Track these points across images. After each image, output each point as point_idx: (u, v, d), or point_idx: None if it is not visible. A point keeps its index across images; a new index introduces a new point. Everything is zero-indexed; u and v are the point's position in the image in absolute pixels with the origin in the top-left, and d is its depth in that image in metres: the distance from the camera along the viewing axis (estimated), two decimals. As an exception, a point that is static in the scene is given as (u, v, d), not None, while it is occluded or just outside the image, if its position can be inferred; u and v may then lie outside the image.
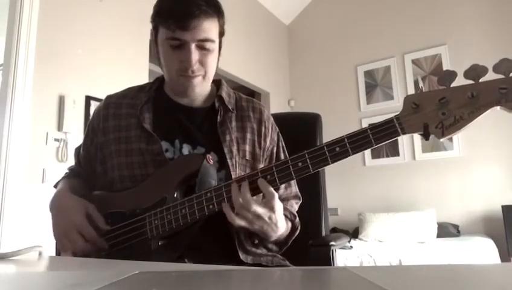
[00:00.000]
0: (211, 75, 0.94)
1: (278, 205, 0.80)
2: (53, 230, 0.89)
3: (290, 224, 0.93)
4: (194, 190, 0.82)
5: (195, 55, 0.87)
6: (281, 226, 0.84)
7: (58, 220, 0.89)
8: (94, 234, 0.84)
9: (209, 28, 0.87)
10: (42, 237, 1.37)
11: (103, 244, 0.85)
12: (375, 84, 4.40)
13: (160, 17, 0.88)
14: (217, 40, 0.91)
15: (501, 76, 0.64)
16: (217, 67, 0.96)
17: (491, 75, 0.64)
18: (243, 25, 4.04)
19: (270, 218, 0.79)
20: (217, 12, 0.89)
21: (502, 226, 3.31)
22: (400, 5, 4.31)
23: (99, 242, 0.85)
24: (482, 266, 0.73)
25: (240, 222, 0.78)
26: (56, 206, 0.93)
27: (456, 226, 3.65)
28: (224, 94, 0.99)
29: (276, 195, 0.78)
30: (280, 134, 1.05)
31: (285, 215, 0.92)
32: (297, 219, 0.97)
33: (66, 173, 1.06)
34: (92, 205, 0.88)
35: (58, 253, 0.96)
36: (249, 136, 0.97)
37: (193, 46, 0.86)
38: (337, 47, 4.67)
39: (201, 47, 0.87)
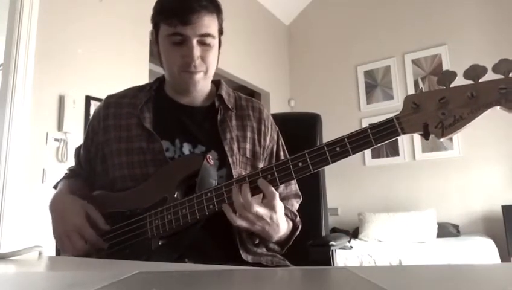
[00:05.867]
0: (211, 72, 0.95)
1: (279, 205, 0.80)
2: (53, 231, 0.89)
3: (291, 223, 0.94)
4: (195, 190, 0.82)
5: (196, 50, 0.88)
6: (282, 226, 0.84)
7: (58, 221, 0.89)
8: (94, 235, 0.84)
9: (209, 23, 0.89)
10: (42, 237, 1.37)
11: (103, 245, 0.85)
12: (375, 84, 4.40)
13: (161, 14, 0.90)
14: (217, 37, 0.93)
15: (500, 76, 0.64)
16: (217, 66, 0.97)
17: (490, 76, 0.64)
18: (243, 25, 4.04)
19: (271, 218, 0.79)
20: (217, 9, 0.91)
21: (502, 226, 3.31)
22: (400, 5, 4.31)
23: (99, 243, 0.85)
24: (482, 266, 0.73)
25: (241, 223, 0.78)
26: (56, 208, 0.92)
27: (456, 226, 3.65)
28: (223, 93, 1.00)
29: (277, 195, 0.78)
30: (280, 133, 1.06)
31: (286, 215, 0.92)
32: (298, 217, 0.97)
33: (66, 173, 1.06)
34: (90, 206, 0.88)
35: (58, 253, 0.96)
36: (249, 134, 0.98)
37: (195, 41, 0.87)
38: (337, 47, 4.67)
39: (202, 42, 0.89)
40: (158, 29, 0.91)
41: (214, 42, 0.91)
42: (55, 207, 0.93)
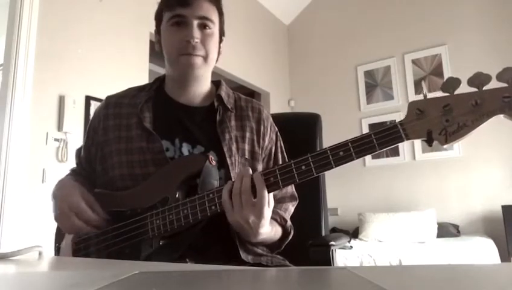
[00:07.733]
0: (211, 61, 0.95)
1: (267, 212, 0.78)
2: (54, 214, 0.90)
3: (280, 229, 0.93)
4: (196, 190, 0.82)
5: (196, 31, 0.90)
6: (264, 233, 0.82)
7: (57, 203, 0.89)
8: (90, 212, 0.85)
9: (209, 8, 0.92)
10: (42, 237, 1.37)
11: (100, 223, 0.86)
12: (375, 84, 4.40)
13: (164, 4, 0.94)
14: (217, 26, 0.95)
15: (504, 84, 0.64)
16: (217, 60, 0.98)
17: (494, 84, 0.65)
18: (243, 25, 4.04)
19: (254, 221, 0.77)
20: (217, 3, 0.95)
21: (502, 226, 3.31)
22: (399, 5, 4.31)
23: (95, 221, 0.86)
24: (482, 266, 0.73)
25: (227, 202, 0.78)
26: (56, 190, 0.93)
27: (456, 226, 3.65)
28: (223, 94, 1.00)
29: (266, 198, 0.76)
30: (279, 134, 1.05)
31: (275, 220, 0.91)
32: (289, 223, 0.95)
33: (68, 173, 1.06)
34: (86, 192, 0.89)
35: (57, 253, 0.96)
36: (248, 135, 0.97)
37: (195, 23, 0.90)
38: (337, 47, 4.67)
39: (202, 26, 0.91)
40: (161, 19, 0.94)
41: (215, 29, 0.93)
42: (55, 190, 0.93)
